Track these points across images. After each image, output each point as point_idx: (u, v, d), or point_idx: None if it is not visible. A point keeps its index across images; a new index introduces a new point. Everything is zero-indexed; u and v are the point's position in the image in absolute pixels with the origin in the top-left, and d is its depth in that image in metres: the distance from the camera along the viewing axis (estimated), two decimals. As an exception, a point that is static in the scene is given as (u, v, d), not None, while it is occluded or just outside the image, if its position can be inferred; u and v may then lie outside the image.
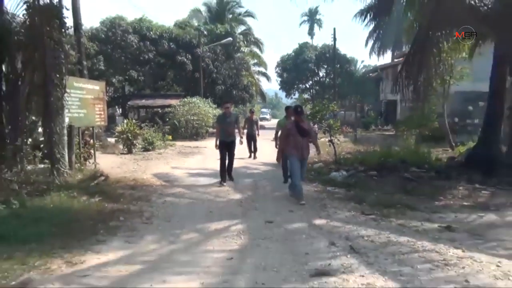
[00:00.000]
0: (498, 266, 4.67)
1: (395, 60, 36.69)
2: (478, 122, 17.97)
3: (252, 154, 15.62)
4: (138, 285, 4.19)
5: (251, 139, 15.58)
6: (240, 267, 4.72)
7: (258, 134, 15.86)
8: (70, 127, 10.00)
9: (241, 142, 10.61)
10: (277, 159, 8.93)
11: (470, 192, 8.82)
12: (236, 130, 10.56)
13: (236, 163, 11.29)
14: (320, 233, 6.03)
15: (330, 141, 12.98)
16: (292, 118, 8.91)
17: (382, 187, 9.21)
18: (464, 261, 4.81)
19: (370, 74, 45.89)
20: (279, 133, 9.66)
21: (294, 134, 8.07)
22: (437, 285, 4.16)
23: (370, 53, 47.80)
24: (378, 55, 47.44)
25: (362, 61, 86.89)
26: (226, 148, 10.02)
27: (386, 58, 47.56)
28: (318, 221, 6.72)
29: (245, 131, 15.06)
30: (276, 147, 10.37)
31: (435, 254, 5.07)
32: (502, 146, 11.35)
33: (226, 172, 10.13)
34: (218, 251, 5.28)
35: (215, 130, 31.74)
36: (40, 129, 9.68)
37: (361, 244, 5.44)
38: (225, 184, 9.90)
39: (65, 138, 9.40)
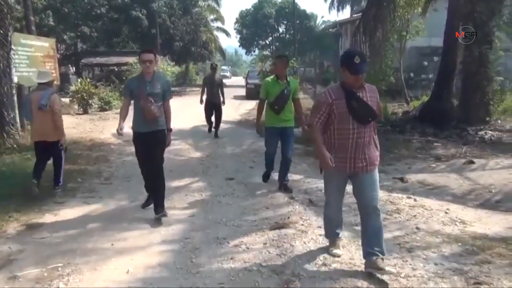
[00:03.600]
0: (446, 213, 4.96)
1: (354, 15, 36.66)
2: (432, 77, 18.46)
3: (213, 130, 10.91)
4: (99, 245, 4.18)
5: (212, 109, 10.68)
6: (201, 223, 4.78)
7: (223, 102, 10.80)
8: (19, 87, 9.53)
9: (168, 143, 5.10)
10: (323, 165, 3.56)
11: (423, 144, 9.19)
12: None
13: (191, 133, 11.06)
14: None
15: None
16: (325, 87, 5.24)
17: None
18: (416, 210, 5.07)
19: (330, 30, 45.73)
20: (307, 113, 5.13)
21: (342, 118, 3.49)
22: (390, 232, 4.38)
23: (330, 8, 47.44)
24: (338, 10, 47.20)
25: (322, 17, 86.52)
26: (145, 146, 5.02)
27: (346, 13, 47.50)
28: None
29: (204, 96, 10.80)
30: (258, 131, 6.46)
31: (389, 204, 5.32)
32: (454, 100, 11.77)
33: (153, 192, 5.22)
34: (179, 208, 5.32)
35: (175, 89, 28.56)
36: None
37: (319, 197, 5.59)
38: (148, 207, 5.27)
39: (15, 98, 8.96)
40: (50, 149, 5.95)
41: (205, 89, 10.70)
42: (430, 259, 3.73)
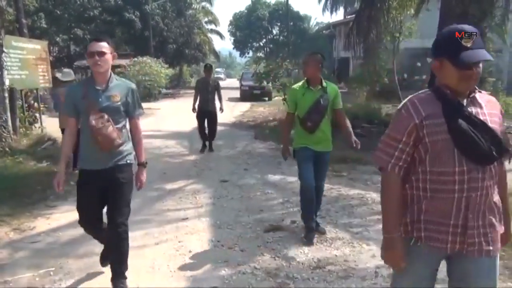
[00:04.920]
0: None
1: (348, 17, 36.78)
2: (426, 78, 18.55)
3: (208, 144, 9.16)
4: (91, 248, 4.13)
5: (205, 118, 8.97)
6: (195, 226, 4.75)
7: (221, 109, 9.21)
8: (11, 90, 9.44)
9: (139, 185, 3.43)
10: (391, 262, 1.98)
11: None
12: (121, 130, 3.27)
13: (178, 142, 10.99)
14: (274, 190, 6.15)
15: (284, 99, 13.11)
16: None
17: (334, 143, 9.36)
18: (410, 211, 5.06)
19: (323, 32, 45.93)
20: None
21: (438, 153, 1.84)
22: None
23: (323, 10, 47.66)
24: (331, 12, 47.38)
25: (315, 18, 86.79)
26: (95, 193, 3.25)
27: (339, 15, 47.76)
28: (272, 178, 6.83)
29: (197, 103, 9.02)
30: (283, 152, 4.46)
31: (383, 205, 5.30)
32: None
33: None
34: (172, 211, 5.29)
35: (169, 91, 28.30)
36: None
37: (313, 199, 5.59)
38: None
39: (6, 101, 8.88)
40: None
41: (198, 94, 8.94)
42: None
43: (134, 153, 3.38)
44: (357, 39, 11.62)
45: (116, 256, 3.28)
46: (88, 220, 3.35)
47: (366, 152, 8.46)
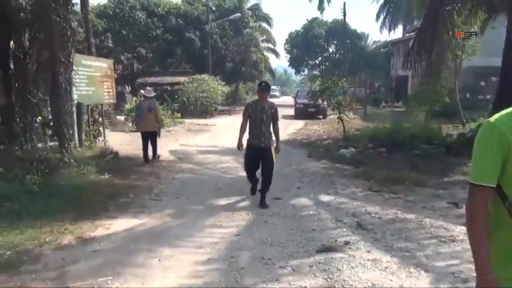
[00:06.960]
0: (505, 242, 4.65)
1: (407, 35, 36.02)
2: (490, 98, 17.72)
3: (260, 197, 6.32)
4: (147, 260, 4.26)
5: (257, 157, 6.34)
6: (247, 242, 4.76)
7: (278, 149, 6.50)
8: (78, 105, 10.03)
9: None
10: None
11: (480, 168, 8.74)
12: None
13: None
14: (327, 210, 6.05)
15: (339, 118, 12.97)
16: None
17: (391, 164, 9.17)
18: (472, 237, 4.80)
19: (381, 50, 45.17)
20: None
21: None
22: (443, 260, 4.17)
23: (381, 28, 46.85)
24: (389, 30, 46.56)
25: (373, 36, 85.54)
26: None
27: (397, 33, 46.71)
28: (325, 198, 6.73)
29: (246, 133, 6.44)
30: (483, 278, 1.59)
31: (443, 230, 5.07)
32: (514, 122, 11.18)
33: None
34: (225, 227, 5.33)
35: (225, 108, 28.92)
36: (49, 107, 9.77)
37: (368, 221, 5.45)
38: None
39: (74, 115, 9.43)
40: (150, 136, 9.43)
41: (247, 123, 6.37)
42: (487, 291, 3.49)
43: None
44: (417, 58, 11.34)
45: None
46: None
47: (426, 174, 8.22)
